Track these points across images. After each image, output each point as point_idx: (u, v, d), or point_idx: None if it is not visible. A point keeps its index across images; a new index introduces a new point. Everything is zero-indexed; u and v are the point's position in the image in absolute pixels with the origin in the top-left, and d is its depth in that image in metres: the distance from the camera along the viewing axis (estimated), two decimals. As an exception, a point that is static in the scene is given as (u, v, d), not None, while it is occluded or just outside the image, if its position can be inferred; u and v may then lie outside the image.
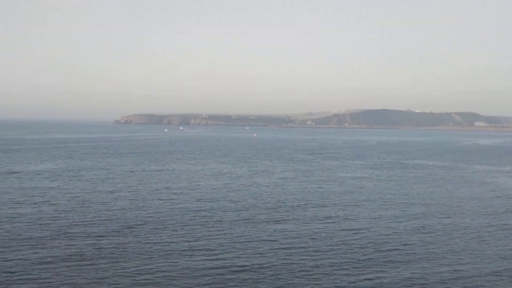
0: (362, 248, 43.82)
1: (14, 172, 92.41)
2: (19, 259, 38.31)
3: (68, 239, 44.24)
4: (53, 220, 51.82)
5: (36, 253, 39.97)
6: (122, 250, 41.42)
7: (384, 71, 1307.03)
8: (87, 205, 60.42)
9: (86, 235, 45.94)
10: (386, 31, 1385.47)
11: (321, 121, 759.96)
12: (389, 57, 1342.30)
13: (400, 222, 55.04)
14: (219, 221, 53.25)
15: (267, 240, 45.60)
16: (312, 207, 62.95)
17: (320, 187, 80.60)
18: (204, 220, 53.58)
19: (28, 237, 44.77)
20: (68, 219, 52.26)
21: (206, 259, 39.40)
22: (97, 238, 44.82)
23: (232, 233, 47.89)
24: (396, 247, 44.32)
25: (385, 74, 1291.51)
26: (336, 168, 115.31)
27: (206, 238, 45.93)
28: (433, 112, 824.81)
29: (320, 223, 53.17)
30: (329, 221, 54.56)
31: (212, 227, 50.39)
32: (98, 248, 41.60)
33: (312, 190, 76.97)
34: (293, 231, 49.38)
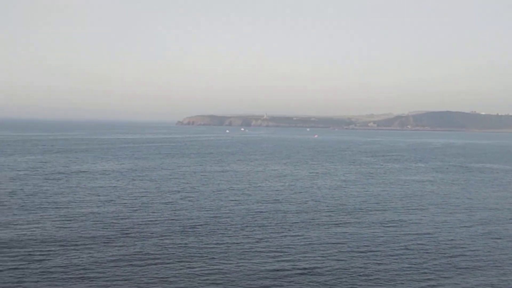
0: (426, 253, 43.08)
1: (82, 172, 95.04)
2: (86, 257, 39.35)
3: (132, 238, 45.17)
4: (118, 219, 53.02)
5: (101, 251, 40.97)
6: (185, 250, 42.01)
7: (448, 71, 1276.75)
8: (151, 205, 61.57)
9: (150, 234, 46.81)
10: (448, 28, 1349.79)
11: (383, 123, 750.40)
12: (454, 57, 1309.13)
13: (465, 227, 53.85)
14: (280, 222, 53.35)
15: (329, 243, 45.39)
16: (375, 210, 62.28)
17: (383, 190, 79.66)
18: (265, 221, 53.79)
19: (94, 235, 45.94)
20: (133, 218, 53.38)
21: (267, 261, 39.54)
22: (161, 238, 45.60)
23: (294, 235, 47.88)
24: (461, 253, 43.40)
25: (449, 74, 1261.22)
26: (399, 171, 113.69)
27: (267, 239, 46.08)
28: (499, 114, 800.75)
29: (383, 227, 52.54)
30: (392, 225, 53.86)
31: (273, 228, 50.52)
32: (162, 248, 42.33)
33: (374, 193, 76.15)
34: (355, 234, 48.98)
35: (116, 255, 39.96)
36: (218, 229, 49.73)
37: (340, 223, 53.86)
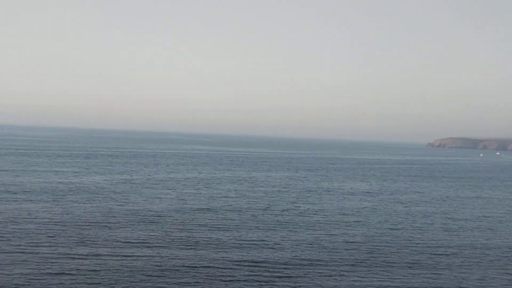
0: None
1: (331, 190, 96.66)
2: (335, 279, 39.37)
3: (380, 265, 44.09)
4: (366, 242, 52.20)
5: (349, 275, 40.68)
6: (435, 281, 39.92)
7: None
8: (399, 229, 59.87)
9: (399, 260, 45.30)
10: None
11: None
12: None
13: None
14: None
15: None
16: None
17: None
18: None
19: (343, 257, 45.81)
20: (381, 243, 52.10)
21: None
22: (411, 266, 43.86)
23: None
24: None
25: None
26: None
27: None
28: None
29: None
30: None
31: (535, 265, 45.95)
32: (409, 278, 40.72)
33: None
34: None
35: (364, 281, 39.38)
36: (472, 260, 46.61)
37: None
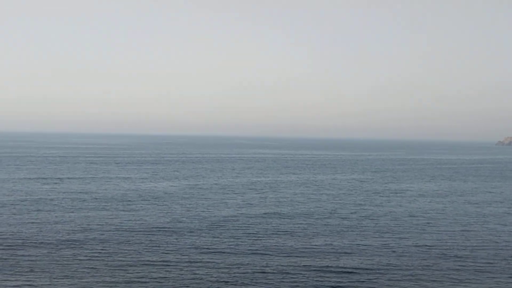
0: None
1: (399, 191, 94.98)
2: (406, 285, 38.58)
3: (455, 271, 43.09)
4: (437, 246, 51.07)
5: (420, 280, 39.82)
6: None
7: None
8: (472, 231, 58.24)
9: (471, 262, 44.13)
10: None
11: None
12: None
13: None
14: None
15: None
16: None
17: None
18: None
19: (414, 263, 44.89)
20: (451, 247, 51.00)
21: None
22: (480, 272, 42.65)
23: None
24: None
25: None
26: None
27: None
28: None
29: None
30: None
31: None
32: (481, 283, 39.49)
33: None
34: None
35: (436, 285, 38.35)
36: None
37: None
